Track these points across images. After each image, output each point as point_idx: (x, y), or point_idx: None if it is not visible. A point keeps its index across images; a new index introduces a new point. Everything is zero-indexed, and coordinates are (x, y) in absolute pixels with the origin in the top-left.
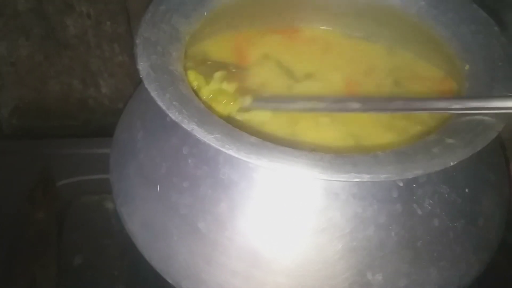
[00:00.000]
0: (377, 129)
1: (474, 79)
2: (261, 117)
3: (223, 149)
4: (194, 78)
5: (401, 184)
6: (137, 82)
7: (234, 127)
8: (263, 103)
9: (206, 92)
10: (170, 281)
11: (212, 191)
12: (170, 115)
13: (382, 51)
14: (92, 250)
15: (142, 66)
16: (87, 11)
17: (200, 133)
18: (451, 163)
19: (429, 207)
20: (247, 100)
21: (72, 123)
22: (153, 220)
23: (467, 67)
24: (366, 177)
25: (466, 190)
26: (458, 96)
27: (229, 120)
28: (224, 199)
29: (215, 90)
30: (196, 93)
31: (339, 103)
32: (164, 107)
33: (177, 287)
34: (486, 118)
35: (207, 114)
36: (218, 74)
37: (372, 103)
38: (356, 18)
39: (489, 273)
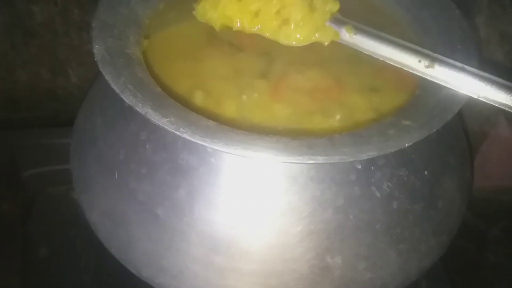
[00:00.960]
0: None
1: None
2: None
3: (178, 132)
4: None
5: (359, 167)
6: None
7: (191, 111)
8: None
9: None
10: (130, 269)
11: (171, 177)
12: (124, 98)
13: None
14: (58, 242)
15: (97, 49)
16: None
17: (154, 117)
18: (406, 145)
19: (388, 190)
20: None
21: (41, 113)
22: (112, 208)
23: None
24: (320, 159)
25: (425, 173)
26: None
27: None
28: (182, 185)
29: None
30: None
31: None
32: (118, 91)
33: (138, 275)
34: (443, 100)
35: (162, 98)
36: None
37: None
38: None
39: (456, 258)
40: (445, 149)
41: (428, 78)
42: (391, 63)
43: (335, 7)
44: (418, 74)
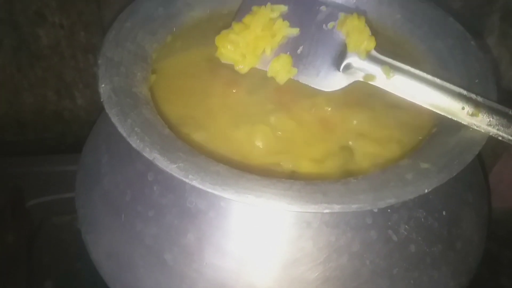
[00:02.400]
0: None
1: None
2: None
3: (187, 180)
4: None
5: (376, 210)
6: None
7: (201, 154)
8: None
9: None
10: None
11: (179, 220)
12: (131, 143)
13: None
14: (64, 274)
15: (104, 89)
16: (60, 21)
17: (162, 163)
18: (426, 190)
19: (405, 233)
20: None
21: (48, 135)
22: (118, 250)
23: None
24: (336, 208)
25: (443, 213)
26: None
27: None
28: (191, 229)
29: None
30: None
31: None
32: (125, 134)
33: None
34: (462, 139)
35: (171, 140)
36: None
37: None
38: None
39: (470, 284)
40: (462, 186)
41: (475, 128)
42: (432, 109)
43: (371, 45)
44: (463, 123)
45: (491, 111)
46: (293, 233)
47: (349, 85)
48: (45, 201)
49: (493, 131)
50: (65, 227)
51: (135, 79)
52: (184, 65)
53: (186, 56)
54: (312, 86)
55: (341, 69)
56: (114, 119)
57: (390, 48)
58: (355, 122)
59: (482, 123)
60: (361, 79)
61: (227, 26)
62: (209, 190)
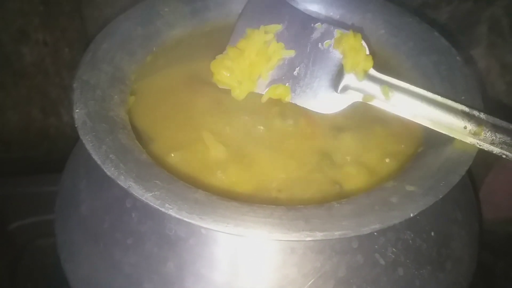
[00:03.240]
0: None
1: None
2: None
3: (163, 209)
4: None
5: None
6: None
7: (178, 180)
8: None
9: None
10: None
11: (158, 248)
12: (105, 170)
13: None
14: None
15: (78, 114)
16: (43, 38)
17: (137, 191)
18: (411, 215)
19: (393, 256)
20: None
21: (34, 154)
22: (97, 279)
23: None
24: (319, 235)
25: (432, 234)
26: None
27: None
28: (171, 258)
29: None
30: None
31: None
32: (99, 161)
33: None
34: (448, 159)
35: (147, 166)
36: None
37: None
38: None
39: None
40: (451, 205)
41: (478, 146)
42: (434, 128)
43: (369, 64)
44: (466, 141)
45: (495, 128)
46: (277, 260)
47: (348, 106)
48: (29, 222)
49: (496, 149)
50: (50, 250)
51: (112, 102)
52: (165, 84)
53: (167, 75)
54: (310, 109)
55: (339, 91)
56: (88, 146)
57: (375, 64)
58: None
59: (485, 141)
60: (360, 100)
61: (210, 44)
62: (186, 219)
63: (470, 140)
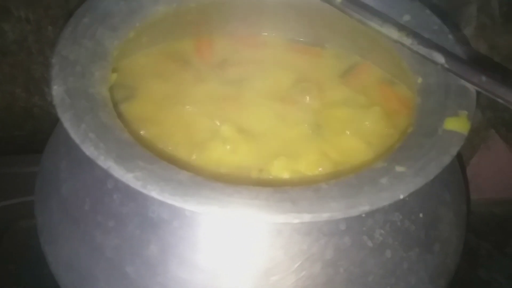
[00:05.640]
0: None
1: (426, 94)
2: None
3: (144, 190)
4: None
5: None
6: None
7: (161, 161)
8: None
9: None
10: None
11: (141, 231)
12: (84, 150)
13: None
14: (30, 282)
15: (56, 91)
16: (26, 16)
17: (117, 172)
18: (401, 196)
19: (381, 238)
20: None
21: (18, 133)
22: (78, 263)
23: (419, 80)
24: (307, 217)
25: (420, 215)
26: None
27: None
28: (154, 240)
29: None
30: None
31: None
32: (78, 141)
33: None
34: (439, 139)
35: (129, 146)
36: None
37: None
38: (306, 24)
39: None
40: (440, 186)
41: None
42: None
43: None
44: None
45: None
46: (263, 242)
47: None
48: (11, 204)
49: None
50: (33, 231)
51: (93, 78)
52: (149, 62)
53: (151, 52)
54: None
55: None
56: (67, 124)
57: (366, 40)
58: None
59: (407, 42)
60: None
61: (196, 20)
62: (169, 201)
63: (396, 35)
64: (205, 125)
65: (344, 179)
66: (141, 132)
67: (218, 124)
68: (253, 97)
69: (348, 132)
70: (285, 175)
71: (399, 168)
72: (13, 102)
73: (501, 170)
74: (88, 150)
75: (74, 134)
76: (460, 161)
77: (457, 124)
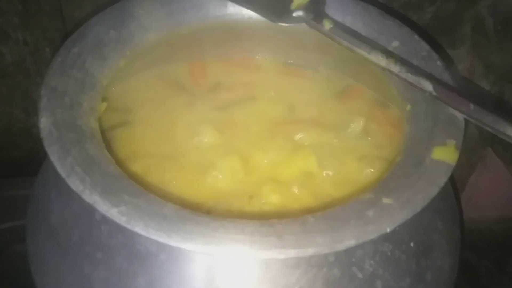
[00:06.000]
0: None
1: (415, 121)
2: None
3: (129, 226)
4: None
5: None
6: None
7: (148, 193)
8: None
9: None
10: None
11: (128, 263)
12: (69, 184)
13: (324, 80)
14: None
15: (43, 123)
16: (23, 38)
17: (102, 206)
18: (388, 230)
19: (371, 269)
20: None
21: (17, 154)
22: None
23: (408, 107)
24: (292, 253)
25: (411, 245)
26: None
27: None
28: (141, 273)
29: None
30: None
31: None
32: (64, 175)
33: None
34: (427, 169)
35: (115, 179)
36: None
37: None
38: (298, 47)
39: None
40: (431, 214)
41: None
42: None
43: None
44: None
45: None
46: (252, 276)
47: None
48: (6, 227)
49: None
50: (26, 256)
51: (81, 109)
52: (141, 86)
53: (144, 76)
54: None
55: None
56: (53, 157)
57: (357, 64)
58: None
59: (394, 69)
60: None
61: (188, 45)
62: (154, 237)
63: (384, 63)
64: (196, 152)
65: (331, 211)
66: (132, 162)
67: (211, 151)
68: (246, 123)
69: (339, 160)
70: (275, 199)
71: (386, 200)
72: (12, 123)
73: (499, 188)
74: (74, 184)
75: (60, 168)
76: (454, 184)
77: (445, 154)
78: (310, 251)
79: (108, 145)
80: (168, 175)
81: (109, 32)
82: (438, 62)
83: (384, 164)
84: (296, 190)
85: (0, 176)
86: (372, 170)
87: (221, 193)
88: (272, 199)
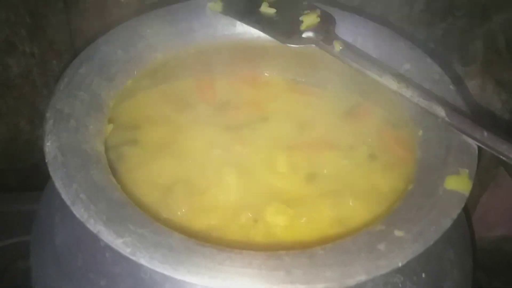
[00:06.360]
0: None
1: (427, 148)
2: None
3: (134, 258)
4: None
5: None
6: None
7: (154, 222)
8: None
9: None
10: None
11: None
12: (74, 212)
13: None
14: None
15: (49, 147)
16: (30, 50)
17: (107, 237)
18: (399, 264)
19: None
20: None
21: (22, 165)
22: None
23: (420, 133)
24: None
25: (423, 276)
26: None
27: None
28: None
29: None
30: None
31: None
32: (68, 202)
33: None
34: (440, 199)
35: (121, 207)
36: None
37: None
38: (306, 65)
39: None
40: (443, 244)
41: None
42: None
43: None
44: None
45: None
46: None
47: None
48: (10, 243)
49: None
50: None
51: (87, 132)
52: (149, 103)
53: (151, 93)
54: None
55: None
56: (58, 184)
57: (367, 84)
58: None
59: (406, 93)
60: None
61: (196, 63)
62: (159, 270)
63: (396, 86)
64: (205, 173)
65: (341, 244)
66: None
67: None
68: (255, 143)
69: (347, 185)
70: (280, 221)
71: (397, 232)
72: (18, 135)
73: (511, 207)
74: (79, 212)
75: (65, 195)
76: (465, 209)
77: (458, 183)
78: (319, 286)
79: (114, 166)
80: (175, 197)
81: (117, 52)
82: (451, 86)
83: (395, 189)
84: (303, 218)
85: (4, 189)
86: (382, 194)
87: (226, 216)
88: (278, 222)
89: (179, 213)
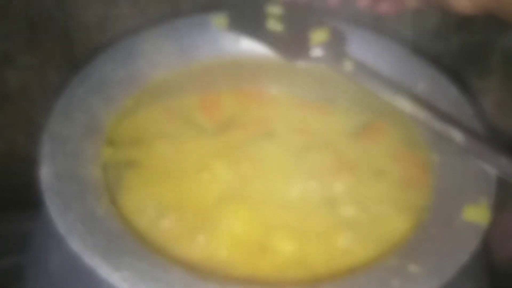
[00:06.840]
0: None
1: (443, 174)
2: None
3: None
4: None
5: None
6: None
7: (154, 255)
8: None
9: None
10: None
11: None
12: (70, 244)
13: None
14: None
15: (44, 174)
16: (29, 62)
17: (104, 271)
18: None
19: None
20: None
21: (17, 181)
22: None
23: (436, 157)
24: None
25: None
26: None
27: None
28: None
29: None
30: None
31: None
32: (64, 233)
33: None
34: (457, 230)
35: (118, 238)
36: None
37: None
38: (314, 82)
39: None
40: (460, 275)
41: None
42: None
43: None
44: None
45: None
46: None
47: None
48: (6, 264)
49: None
50: None
51: (84, 157)
52: (152, 119)
53: (154, 109)
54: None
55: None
56: (54, 213)
57: (379, 102)
58: None
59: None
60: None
61: (201, 79)
62: None
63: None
64: (209, 196)
65: (353, 280)
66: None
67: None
68: (262, 163)
69: (360, 210)
70: (288, 248)
71: (412, 267)
72: (14, 149)
73: None
74: (74, 244)
75: (61, 226)
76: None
77: (477, 214)
78: None
79: (113, 186)
80: (175, 222)
81: (117, 70)
82: (468, 108)
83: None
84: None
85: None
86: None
87: (232, 245)
88: (286, 249)
89: (181, 240)
